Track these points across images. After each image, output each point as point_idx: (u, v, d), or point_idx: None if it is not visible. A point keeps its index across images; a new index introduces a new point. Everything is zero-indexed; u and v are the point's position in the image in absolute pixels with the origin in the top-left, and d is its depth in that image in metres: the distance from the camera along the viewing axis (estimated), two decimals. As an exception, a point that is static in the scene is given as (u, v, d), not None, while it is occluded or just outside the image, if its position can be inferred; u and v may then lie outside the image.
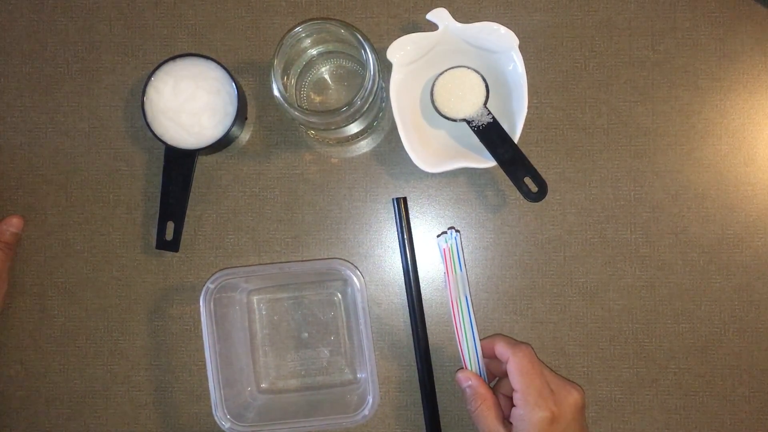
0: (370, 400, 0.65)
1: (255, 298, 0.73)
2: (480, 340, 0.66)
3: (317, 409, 0.69)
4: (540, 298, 0.72)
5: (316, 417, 0.67)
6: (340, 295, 0.73)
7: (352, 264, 0.67)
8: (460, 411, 0.72)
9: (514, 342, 0.65)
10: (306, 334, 0.72)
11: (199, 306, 0.66)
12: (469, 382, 0.65)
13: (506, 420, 0.63)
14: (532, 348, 0.64)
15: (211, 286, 0.66)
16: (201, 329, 0.66)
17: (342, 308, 0.73)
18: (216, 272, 0.67)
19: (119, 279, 0.73)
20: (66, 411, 0.73)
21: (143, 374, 0.73)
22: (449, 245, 0.66)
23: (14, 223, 0.72)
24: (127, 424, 0.73)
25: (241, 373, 0.71)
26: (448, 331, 0.72)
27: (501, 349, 0.64)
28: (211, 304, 0.66)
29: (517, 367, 0.62)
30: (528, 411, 0.60)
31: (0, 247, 0.70)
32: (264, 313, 0.73)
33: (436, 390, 0.71)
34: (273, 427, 0.66)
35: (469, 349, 0.67)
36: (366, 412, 0.65)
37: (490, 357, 0.67)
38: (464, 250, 0.72)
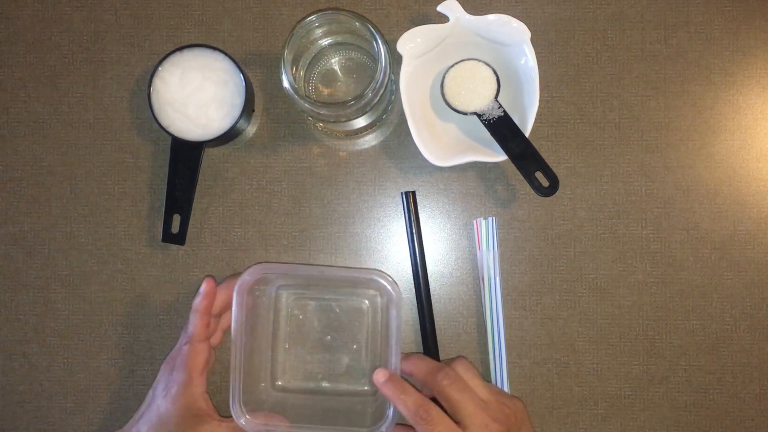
0: (390, 415, 0.63)
1: (283, 294, 0.71)
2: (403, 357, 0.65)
3: (332, 417, 0.68)
4: (550, 294, 0.72)
5: (332, 426, 0.65)
6: (368, 303, 0.71)
7: (391, 278, 0.64)
8: (468, 407, 0.71)
9: (434, 367, 0.63)
10: (329, 338, 0.71)
11: (233, 296, 0.64)
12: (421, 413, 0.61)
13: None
14: (465, 364, 0.64)
15: (248, 279, 0.64)
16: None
17: (369, 317, 0.71)
18: (254, 264, 0.65)
19: (124, 272, 0.73)
20: (70, 405, 0.72)
21: (148, 368, 0.72)
22: (480, 221, 0.71)
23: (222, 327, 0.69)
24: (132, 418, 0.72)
25: (259, 368, 0.69)
26: (457, 327, 0.72)
27: (422, 377, 0.63)
28: (244, 296, 0.64)
29: (448, 398, 0.61)
30: None
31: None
32: (290, 310, 0.71)
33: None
34: (290, 428, 0.64)
35: (493, 331, 0.70)
36: (384, 428, 0.62)
37: (409, 375, 0.65)
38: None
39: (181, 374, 0.63)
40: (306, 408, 0.69)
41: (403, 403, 0.60)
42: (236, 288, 0.64)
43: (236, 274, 0.66)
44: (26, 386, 0.73)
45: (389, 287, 0.64)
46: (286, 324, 0.71)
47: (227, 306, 0.66)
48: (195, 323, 0.64)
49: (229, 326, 0.67)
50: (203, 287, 0.65)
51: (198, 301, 0.65)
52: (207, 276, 0.66)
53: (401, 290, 0.72)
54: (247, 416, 0.64)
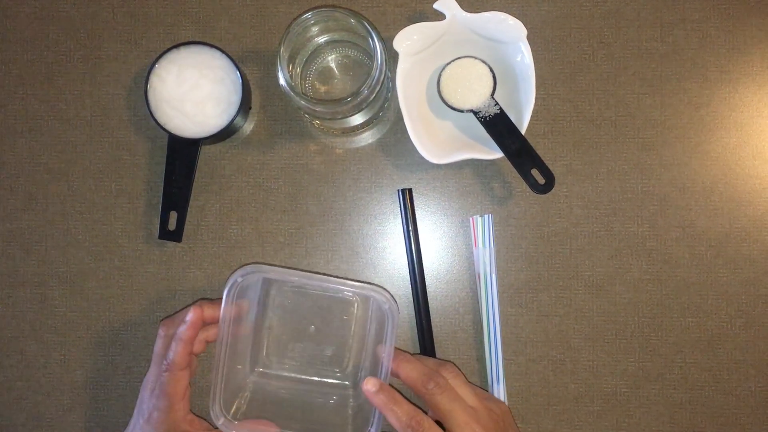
0: (374, 423, 0.62)
1: (273, 284, 0.70)
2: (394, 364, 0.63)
3: (312, 416, 0.67)
4: (546, 291, 0.72)
5: (312, 428, 0.65)
6: (359, 299, 0.70)
7: (390, 295, 0.63)
8: (464, 404, 0.71)
9: (428, 377, 0.62)
10: (313, 328, 0.70)
11: (222, 300, 0.63)
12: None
13: None
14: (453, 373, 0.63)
15: (239, 281, 0.63)
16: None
17: (359, 310, 0.70)
18: (246, 265, 0.64)
19: (121, 269, 0.73)
20: (66, 402, 0.73)
21: (145, 365, 0.72)
22: (476, 218, 0.71)
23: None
24: (129, 415, 0.72)
25: (242, 354, 0.68)
26: (453, 324, 0.72)
27: (418, 391, 0.62)
28: (234, 300, 0.63)
29: (441, 413, 0.61)
30: None
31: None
32: (277, 298, 0.70)
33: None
34: None
35: (489, 328, 0.70)
36: None
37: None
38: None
39: (162, 401, 0.62)
40: (287, 404, 0.68)
41: (395, 414, 0.60)
42: (226, 291, 0.62)
43: (218, 300, 0.65)
44: (23, 383, 0.73)
45: (387, 305, 0.62)
46: (273, 309, 0.70)
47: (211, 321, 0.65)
48: (178, 352, 0.62)
49: (214, 338, 0.66)
50: (190, 316, 0.63)
51: (183, 330, 0.63)
52: (195, 305, 0.64)
53: (397, 287, 0.72)
54: (227, 417, 0.63)
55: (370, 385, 0.60)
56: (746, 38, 0.72)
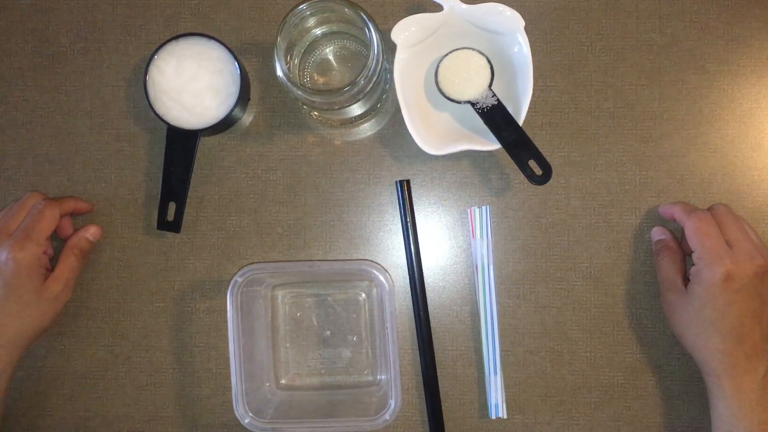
0: (392, 404, 0.64)
1: (279, 293, 0.72)
2: (660, 206, 0.71)
3: (337, 409, 0.69)
4: (543, 283, 0.72)
5: (336, 418, 0.66)
6: (364, 295, 0.72)
7: (381, 266, 0.65)
8: (461, 395, 0.72)
9: (692, 208, 0.68)
10: (328, 333, 0.72)
11: (226, 299, 0.65)
12: (662, 237, 0.69)
13: (685, 276, 0.67)
14: (726, 207, 0.67)
15: (239, 280, 0.65)
16: (218, 319, 0.67)
17: (366, 309, 0.72)
18: (245, 266, 0.66)
19: (120, 260, 0.73)
20: (66, 392, 0.73)
21: (144, 355, 0.73)
22: (474, 209, 0.71)
23: (92, 232, 0.71)
24: (128, 405, 0.73)
25: (261, 368, 0.70)
26: (451, 315, 0.72)
27: (678, 215, 0.67)
28: (238, 297, 0.65)
29: (691, 230, 0.65)
30: (703, 267, 0.63)
31: (75, 254, 0.70)
32: (287, 309, 0.72)
33: (439, 373, 0.71)
34: (292, 425, 0.65)
35: (487, 319, 0.70)
36: (387, 416, 0.64)
37: (671, 220, 0.70)
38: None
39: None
40: (312, 404, 0.70)
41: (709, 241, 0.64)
42: (228, 290, 0.65)
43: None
44: (24, 372, 0.73)
45: (380, 276, 0.64)
46: (285, 323, 0.72)
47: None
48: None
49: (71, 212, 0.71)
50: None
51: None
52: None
53: (395, 278, 0.72)
54: (251, 415, 0.65)
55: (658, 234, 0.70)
56: (745, 30, 0.72)
